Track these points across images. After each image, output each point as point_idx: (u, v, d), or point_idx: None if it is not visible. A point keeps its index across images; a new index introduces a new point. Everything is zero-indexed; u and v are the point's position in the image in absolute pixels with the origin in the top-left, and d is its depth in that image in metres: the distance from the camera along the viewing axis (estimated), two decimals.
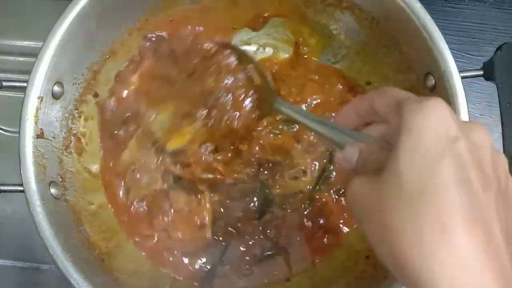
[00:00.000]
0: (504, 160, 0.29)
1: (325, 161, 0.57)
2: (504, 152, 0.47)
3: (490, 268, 0.25)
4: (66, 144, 0.53)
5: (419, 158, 0.26)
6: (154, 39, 0.58)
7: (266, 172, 0.56)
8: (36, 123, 0.48)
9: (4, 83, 0.48)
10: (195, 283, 0.55)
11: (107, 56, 0.57)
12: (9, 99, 0.68)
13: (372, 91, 0.34)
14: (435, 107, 0.27)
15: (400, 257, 0.27)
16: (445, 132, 0.26)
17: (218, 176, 0.54)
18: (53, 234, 0.45)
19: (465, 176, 0.26)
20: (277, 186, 0.56)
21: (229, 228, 0.55)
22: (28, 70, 0.48)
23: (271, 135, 0.56)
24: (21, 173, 0.46)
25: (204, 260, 0.55)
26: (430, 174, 0.26)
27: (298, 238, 0.56)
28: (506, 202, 0.28)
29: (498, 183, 0.28)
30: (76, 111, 0.55)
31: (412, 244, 0.26)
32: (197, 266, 0.55)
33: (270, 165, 0.56)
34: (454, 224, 0.25)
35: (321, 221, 0.56)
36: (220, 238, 0.56)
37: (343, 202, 0.56)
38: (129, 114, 0.56)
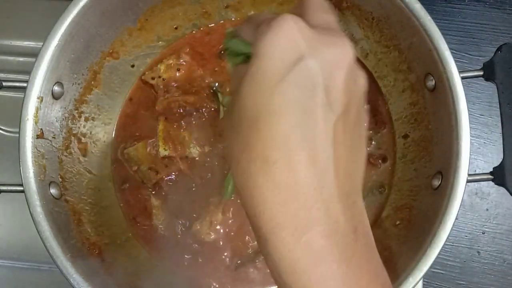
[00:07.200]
0: (361, 83, 0.26)
1: None
2: (504, 152, 0.47)
3: (316, 202, 0.23)
4: (66, 144, 0.53)
5: (257, 82, 0.24)
6: None
7: None
8: (36, 123, 0.48)
9: (4, 83, 0.48)
10: None
11: (107, 56, 0.57)
12: (9, 99, 0.68)
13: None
14: (282, 26, 0.24)
15: (237, 186, 0.25)
16: (290, 51, 0.24)
17: None
18: (53, 234, 0.46)
19: (304, 102, 0.23)
20: None
21: None
22: (28, 70, 0.48)
23: None
24: (21, 173, 0.46)
25: None
26: (266, 100, 0.23)
27: None
28: (352, 135, 0.25)
29: (346, 111, 0.25)
30: (76, 111, 0.55)
31: (244, 177, 0.24)
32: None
33: None
34: (276, 157, 0.23)
35: None
36: None
37: None
38: None
